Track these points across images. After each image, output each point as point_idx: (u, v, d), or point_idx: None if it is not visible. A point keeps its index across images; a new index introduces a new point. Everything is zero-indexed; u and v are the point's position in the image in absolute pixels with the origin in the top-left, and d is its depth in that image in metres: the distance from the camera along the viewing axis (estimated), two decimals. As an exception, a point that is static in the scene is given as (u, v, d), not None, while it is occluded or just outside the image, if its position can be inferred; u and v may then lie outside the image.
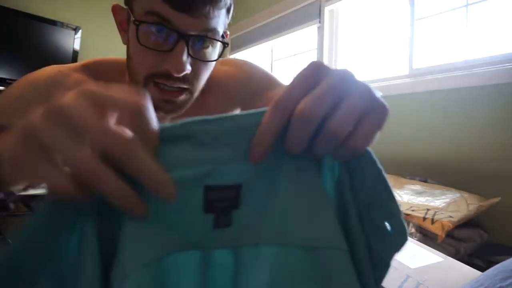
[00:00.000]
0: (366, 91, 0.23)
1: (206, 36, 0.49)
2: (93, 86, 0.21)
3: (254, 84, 0.66)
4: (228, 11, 0.53)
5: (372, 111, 0.23)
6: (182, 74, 0.49)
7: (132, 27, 0.49)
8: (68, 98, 0.20)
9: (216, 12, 0.48)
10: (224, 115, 0.23)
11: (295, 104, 0.22)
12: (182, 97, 0.54)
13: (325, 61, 2.02)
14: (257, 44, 2.55)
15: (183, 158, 0.23)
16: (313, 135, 0.23)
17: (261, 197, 0.24)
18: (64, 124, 0.19)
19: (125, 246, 0.21)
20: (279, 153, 0.24)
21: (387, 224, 0.25)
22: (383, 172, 0.24)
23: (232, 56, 2.89)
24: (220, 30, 0.51)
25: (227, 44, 0.54)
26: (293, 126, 0.22)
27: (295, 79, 0.23)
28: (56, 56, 2.33)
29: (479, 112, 1.24)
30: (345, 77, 0.23)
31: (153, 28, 0.48)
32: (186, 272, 0.23)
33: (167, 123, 0.22)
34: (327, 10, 2.01)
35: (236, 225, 0.24)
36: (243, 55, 2.86)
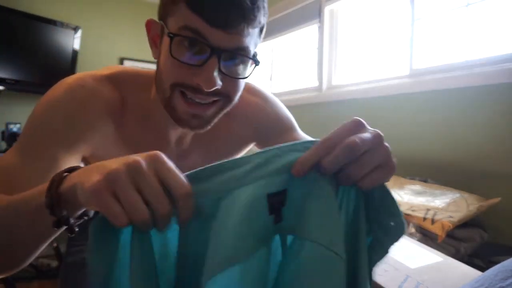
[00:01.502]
0: (386, 152, 0.33)
1: (238, 54, 0.50)
2: (161, 157, 0.29)
3: (279, 123, 0.72)
4: (261, 31, 0.54)
5: (384, 167, 0.33)
6: (212, 90, 0.49)
7: (166, 41, 0.49)
8: (143, 161, 0.28)
9: (250, 30, 0.49)
10: (269, 148, 0.33)
11: (340, 142, 0.31)
12: (211, 110, 0.54)
13: (325, 61, 2.02)
14: (257, 44, 2.55)
15: (243, 178, 0.31)
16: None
17: (298, 199, 0.33)
18: (136, 183, 0.28)
19: (215, 249, 0.29)
20: (312, 175, 0.33)
21: (391, 222, 0.34)
22: (388, 188, 0.34)
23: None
24: (252, 49, 0.52)
25: (259, 62, 0.54)
26: (337, 151, 0.31)
27: (340, 128, 0.33)
28: (56, 56, 2.33)
29: (479, 112, 1.24)
30: (376, 136, 0.33)
31: (187, 43, 0.48)
32: (261, 266, 0.32)
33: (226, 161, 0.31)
34: (327, 10, 2.01)
35: (285, 219, 0.33)
36: (243, 55, 2.85)
